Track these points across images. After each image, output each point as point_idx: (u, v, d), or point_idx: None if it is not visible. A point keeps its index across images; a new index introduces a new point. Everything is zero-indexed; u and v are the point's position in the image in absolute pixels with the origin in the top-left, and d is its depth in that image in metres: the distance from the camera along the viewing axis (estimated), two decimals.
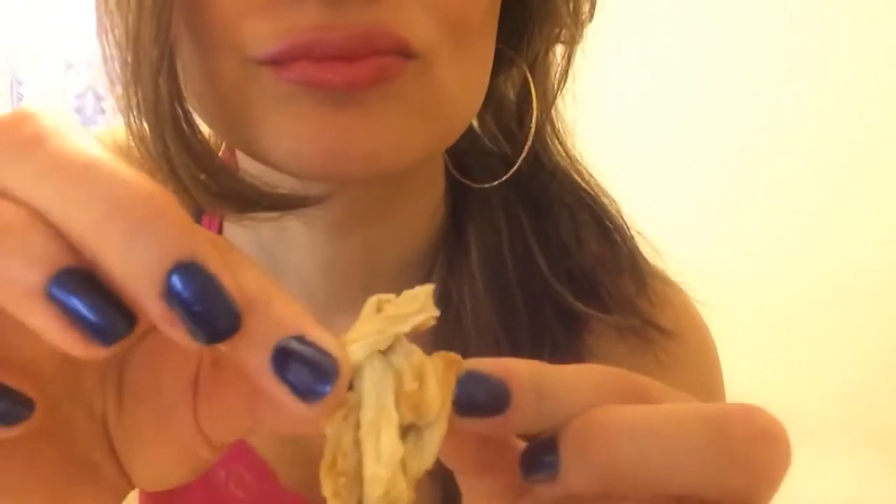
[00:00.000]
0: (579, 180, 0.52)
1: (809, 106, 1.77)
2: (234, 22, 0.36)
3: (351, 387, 0.23)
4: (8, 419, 0.21)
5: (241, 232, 0.49)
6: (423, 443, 0.23)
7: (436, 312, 0.24)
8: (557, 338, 0.48)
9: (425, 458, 0.23)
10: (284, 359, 0.21)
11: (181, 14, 0.37)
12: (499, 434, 0.24)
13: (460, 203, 0.50)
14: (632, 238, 0.52)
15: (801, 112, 1.78)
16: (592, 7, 0.47)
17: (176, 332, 0.20)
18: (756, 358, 1.59)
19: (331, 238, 0.46)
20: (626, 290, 0.50)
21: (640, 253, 0.52)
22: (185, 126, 0.39)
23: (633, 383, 0.24)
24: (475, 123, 0.51)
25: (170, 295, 0.19)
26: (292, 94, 0.36)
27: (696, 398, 0.25)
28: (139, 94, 0.38)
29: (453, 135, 0.42)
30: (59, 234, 0.19)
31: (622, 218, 0.53)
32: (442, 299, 0.48)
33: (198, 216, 0.52)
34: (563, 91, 0.49)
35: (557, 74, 0.48)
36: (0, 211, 0.19)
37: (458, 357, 0.24)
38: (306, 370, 0.21)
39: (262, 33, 0.35)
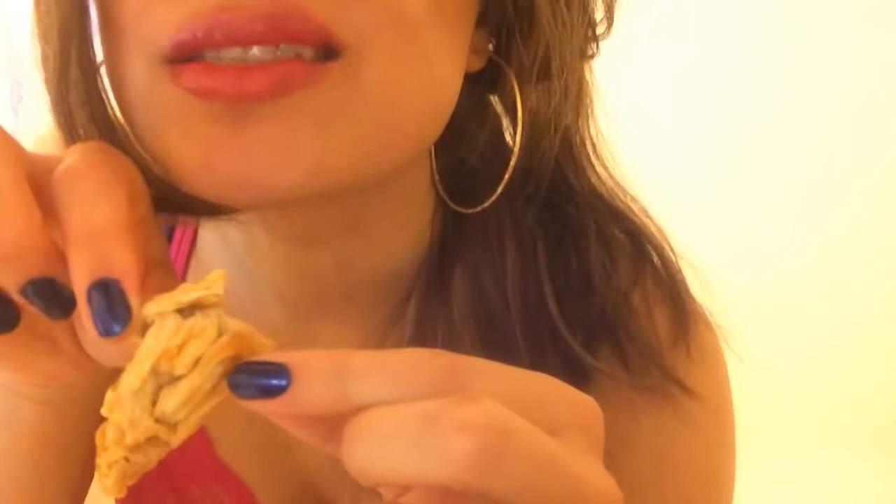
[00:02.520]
0: (619, 204, 0.47)
1: (813, 111, 1.77)
2: (142, 10, 0.32)
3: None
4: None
5: (214, 239, 0.47)
6: (173, 392, 0.27)
7: (218, 292, 0.28)
8: None
9: (168, 403, 0.27)
10: (94, 292, 0.27)
11: (96, 6, 0.34)
12: (293, 413, 0.26)
13: (452, 229, 0.45)
14: (681, 274, 0.47)
15: (805, 117, 1.78)
16: (610, 23, 0.43)
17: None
18: (756, 358, 1.59)
19: (298, 250, 0.44)
20: (655, 338, 0.45)
21: (688, 291, 0.47)
22: (90, 92, 0.35)
23: (442, 364, 0.26)
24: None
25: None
26: (185, 106, 0.32)
27: (550, 383, 0.27)
28: (48, 53, 0.34)
29: (397, 150, 0.35)
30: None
31: (670, 249, 0.47)
32: (417, 332, 0.45)
33: (172, 222, 0.50)
34: (592, 111, 0.45)
35: (571, 86, 0.43)
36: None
37: (250, 333, 0.28)
38: (106, 309, 0.27)
39: (165, 21, 0.31)
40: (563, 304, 0.44)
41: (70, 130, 0.35)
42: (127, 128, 0.36)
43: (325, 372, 0.25)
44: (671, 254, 0.47)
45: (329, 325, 0.47)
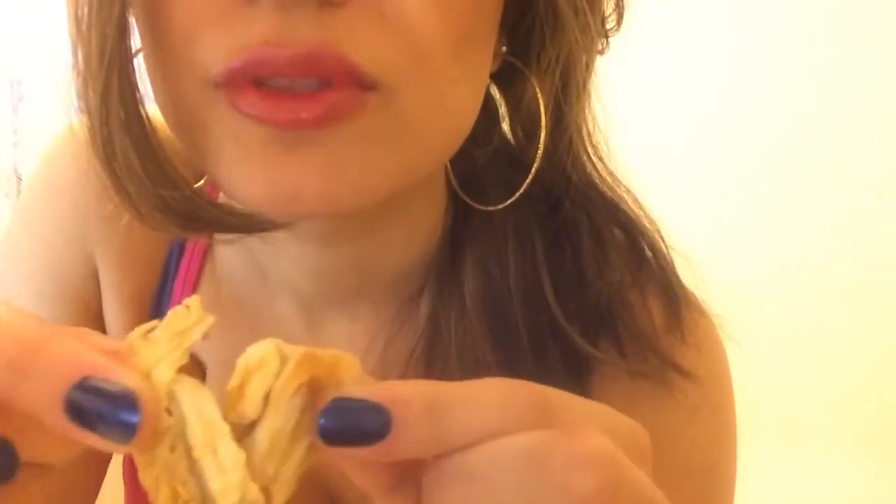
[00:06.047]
0: (616, 199, 0.48)
1: (815, 107, 1.77)
2: (192, 36, 0.34)
3: (169, 413, 0.23)
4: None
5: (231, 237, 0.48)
6: (251, 443, 0.22)
7: (212, 319, 0.24)
8: (562, 382, 0.44)
9: (270, 455, 0.22)
10: (78, 409, 0.21)
11: (143, 26, 0.36)
12: (389, 460, 0.24)
13: (462, 223, 0.47)
14: (672, 265, 0.48)
15: (804, 113, 1.78)
16: (620, 18, 0.45)
17: None
18: (756, 358, 1.58)
19: (318, 249, 0.45)
20: (650, 326, 0.46)
21: (679, 281, 0.48)
22: (129, 117, 0.36)
23: (533, 395, 0.24)
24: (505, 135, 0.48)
25: None
26: (242, 128, 0.34)
27: (614, 412, 0.26)
28: (90, 84, 0.36)
29: (429, 165, 0.39)
30: None
31: (663, 242, 0.48)
32: (430, 326, 0.46)
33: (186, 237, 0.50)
34: (590, 102, 0.46)
35: (582, 86, 0.44)
36: None
37: (322, 351, 0.23)
38: (106, 413, 0.21)
39: (216, 49, 0.33)
40: (560, 296, 0.45)
41: (109, 155, 0.37)
42: (165, 152, 0.37)
43: (422, 410, 0.23)
44: (663, 245, 0.48)
45: (340, 320, 0.48)
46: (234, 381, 0.22)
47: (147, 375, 0.22)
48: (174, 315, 0.24)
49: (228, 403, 0.22)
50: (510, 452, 0.23)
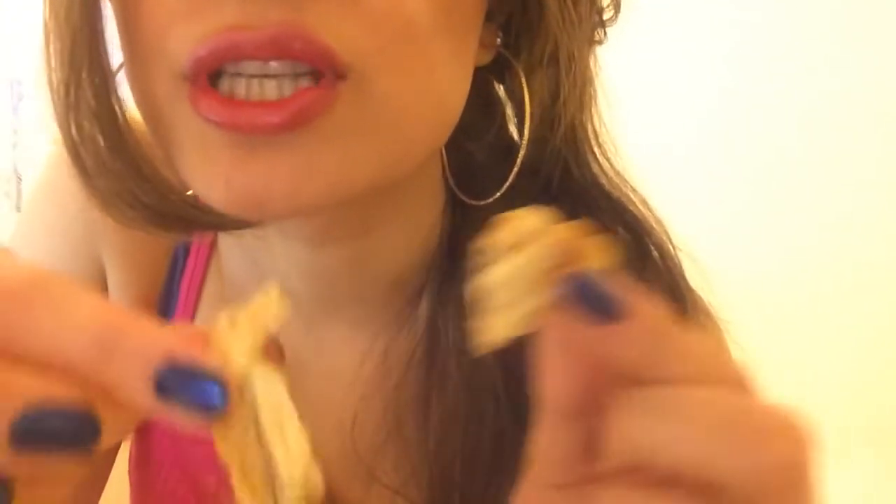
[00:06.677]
0: (622, 199, 0.47)
1: (819, 105, 1.77)
2: (163, 28, 0.33)
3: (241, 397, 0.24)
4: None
5: (231, 241, 0.48)
6: (495, 268, 0.24)
7: (285, 307, 0.25)
8: None
9: (486, 279, 0.24)
10: (165, 388, 0.22)
11: (118, 19, 0.35)
12: (606, 352, 0.24)
13: (461, 222, 0.46)
14: (679, 267, 0.47)
15: (805, 110, 1.78)
16: (617, 9, 0.44)
17: None
18: (757, 359, 1.58)
19: (311, 249, 0.44)
20: None
21: (687, 283, 0.47)
22: (100, 104, 0.35)
23: (732, 367, 0.25)
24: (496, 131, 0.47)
25: None
26: (205, 131, 0.33)
27: None
28: (56, 65, 0.35)
29: (413, 157, 0.37)
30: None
31: (671, 243, 0.48)
32: (429, 329, 0.45)
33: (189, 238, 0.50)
34: (596, 101, 0.45)
35: (566, 74, 0.43)
36: None
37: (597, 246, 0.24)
38: (191, 394, 0.23)
39: (185, 39, 0.32)
40: None
41: (76, 143, 0.36)
42: (141, 148, 0.37)
43: (648, 328, 0.24)
44: (670, 246, 0.48)
45: (339, 323, 0.47)
46: (507, 222, 0.24)
47: (226, 359, 0.24)
48: (255, 302, 0.26)
49: (490, 243, 0.24)
50: (723, 402, 0.23)
